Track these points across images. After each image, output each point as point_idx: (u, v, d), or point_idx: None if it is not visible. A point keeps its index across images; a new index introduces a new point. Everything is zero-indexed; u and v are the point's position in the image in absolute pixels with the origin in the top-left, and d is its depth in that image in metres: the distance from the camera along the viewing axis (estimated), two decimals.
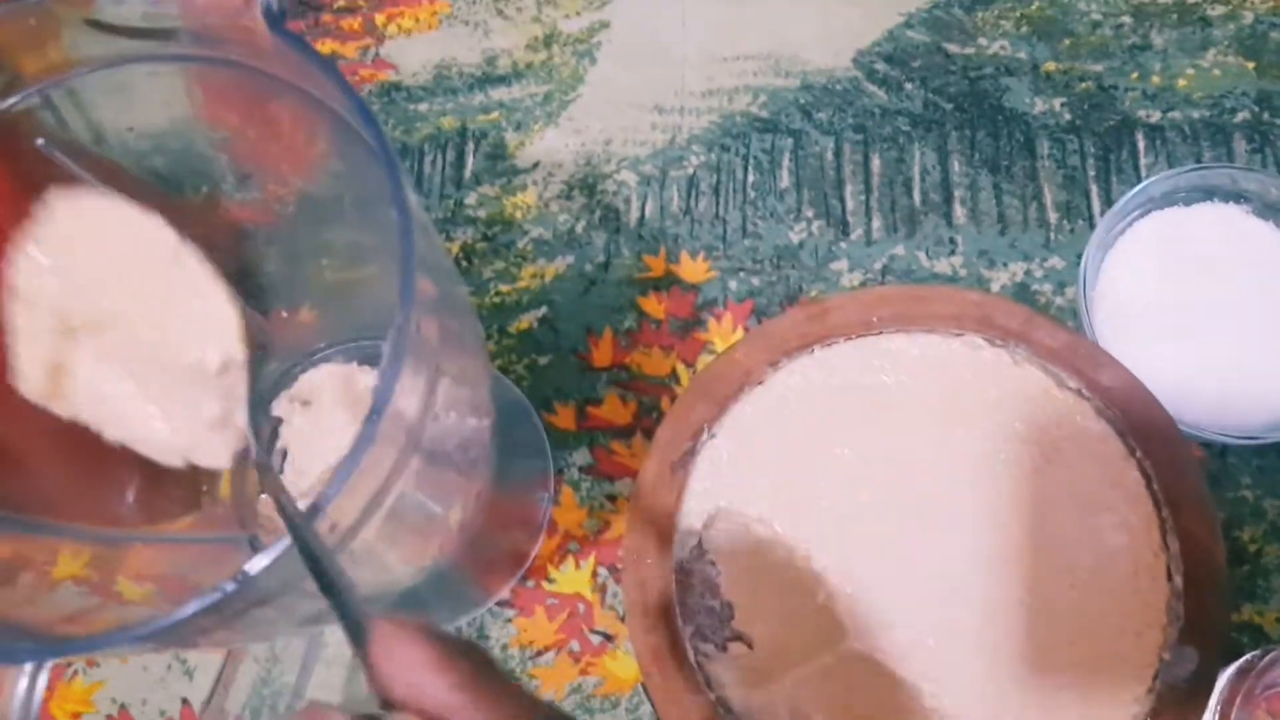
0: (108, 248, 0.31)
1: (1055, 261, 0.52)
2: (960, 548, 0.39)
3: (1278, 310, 0.48)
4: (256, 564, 0.22)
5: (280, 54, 0.28)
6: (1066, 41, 0.57)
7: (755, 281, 0.53)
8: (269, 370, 0.43)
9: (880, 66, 0.58)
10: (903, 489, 0.40)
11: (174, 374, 0.32)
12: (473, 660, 0.22)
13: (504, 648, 0.48)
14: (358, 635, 0.22)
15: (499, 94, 0.58)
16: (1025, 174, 0.55)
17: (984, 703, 0.38)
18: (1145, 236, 0.50)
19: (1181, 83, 0.56)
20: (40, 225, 0.31)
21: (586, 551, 0.49)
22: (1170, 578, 0.38)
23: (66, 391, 0.32)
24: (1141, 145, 0.55)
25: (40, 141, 0.32)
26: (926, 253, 0.53)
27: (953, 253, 0.53)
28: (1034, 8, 0.58)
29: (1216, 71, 0.56)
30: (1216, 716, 0.39)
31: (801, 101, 0.57)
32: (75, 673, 0.48)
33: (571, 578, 0.49)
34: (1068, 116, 0.56)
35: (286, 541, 0.23)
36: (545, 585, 0.49)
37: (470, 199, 0.56)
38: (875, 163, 0.55)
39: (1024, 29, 0.58)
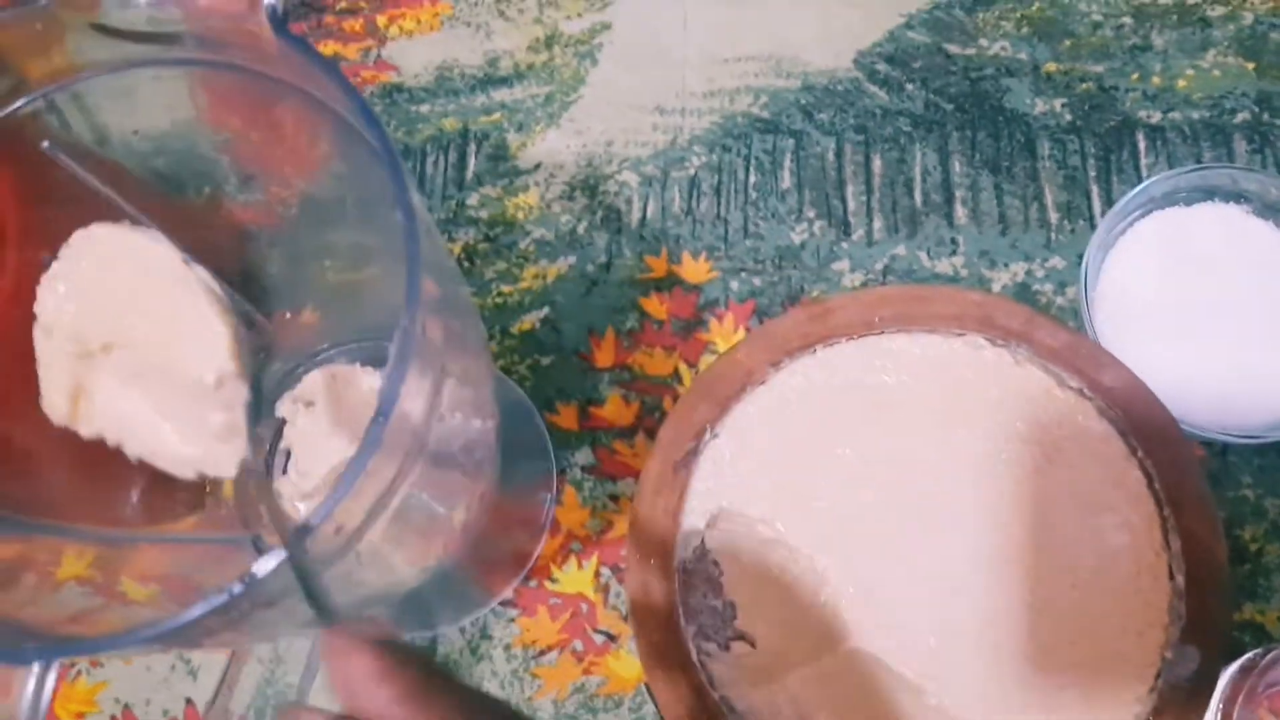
0: (118, 271, 0.32)
1: (1056, 261, 0.53)
2: (962, 547, 0.39)
3: (1278, 310, 0.48)
4: (264, 566, 0.22)
5: (283, 56, 0.28)
6: (1067, 42, 0.57)
7: (757, 282, 0.53)
8: (272, 371, 0.43)
9: (881, 67, 0.58)
10: (904, 489, 0.40)
11: (181, 390, 0.32)
12: (419, 672, 0.22)
13: (507, 647, 0.48)
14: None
15: (500, 95, 0.59)
16: (1026, 174, 0.55)
17: (986, 702, 0.38)
18: (1146, 237, 0.50)
19: (1182, 83, 0.56)
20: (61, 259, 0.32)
21: (589, 551, 0.49)
22: (1172, 577, 0.38)
23: (86, 413, 0.33)
24: (1142, 145, 0.55)
25: (45, 144, 0.32)
26: (928, 253, 0.53)
27: (954, 253, 0.53)
28: (1034, 9, 0.58)
29: (1216, 72, 0.56)
30: (1218, 715, 0.39)
31: (803, 102, 0.57)
32: (79, 673, 0.48)
33: (574, 577, 0.49)
34: (1068, 117, 0.56)
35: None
36: (548, 585, 0.49)
37: (472, 200, 0.56)
38: (876, 163, 0.55)
39: (1024, 30, 0.58)
